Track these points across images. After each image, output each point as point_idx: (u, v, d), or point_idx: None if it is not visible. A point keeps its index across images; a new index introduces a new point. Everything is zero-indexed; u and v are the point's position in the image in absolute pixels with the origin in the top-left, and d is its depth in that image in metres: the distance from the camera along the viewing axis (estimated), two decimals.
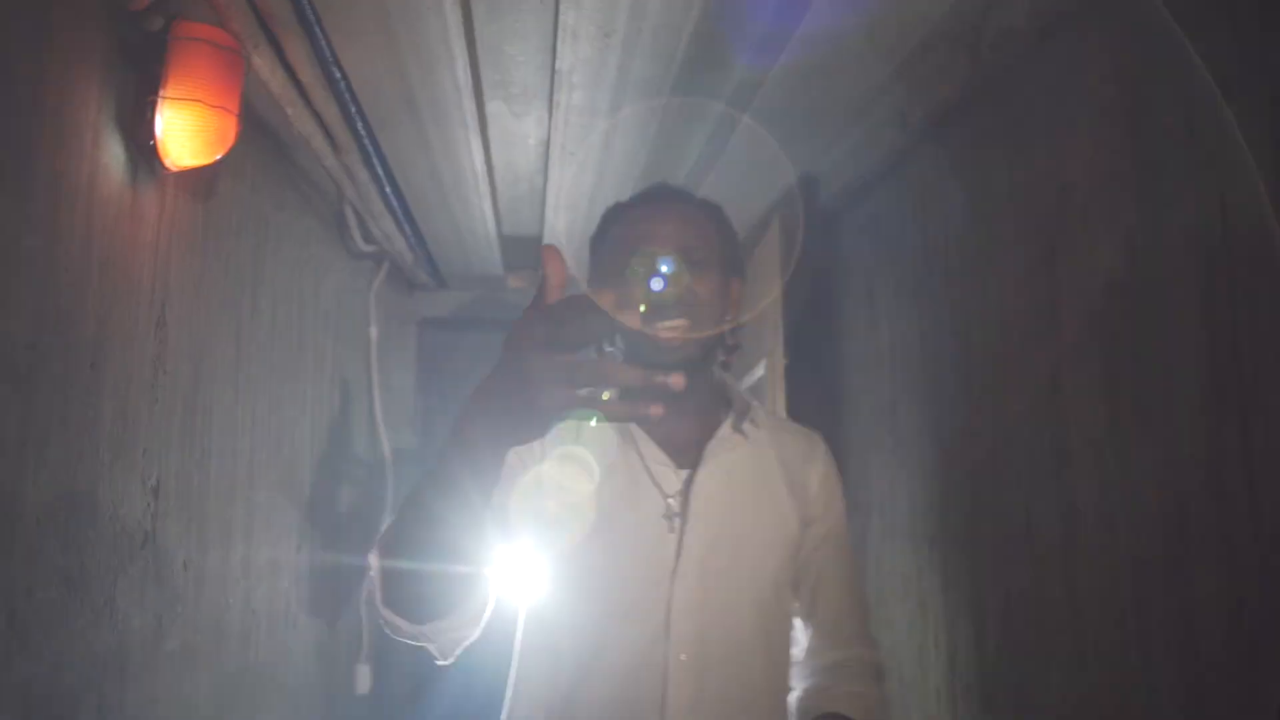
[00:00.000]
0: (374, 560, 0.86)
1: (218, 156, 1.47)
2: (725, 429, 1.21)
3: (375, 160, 2.16)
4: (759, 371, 2.77)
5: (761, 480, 1.23)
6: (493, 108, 2.09)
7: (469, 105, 2.02)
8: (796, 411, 2.63)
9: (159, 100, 1.39)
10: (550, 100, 2.02)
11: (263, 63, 1.59)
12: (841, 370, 2.74)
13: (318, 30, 1.61)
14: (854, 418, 2.64)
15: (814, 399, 2.86)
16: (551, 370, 0.65)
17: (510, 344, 0.68)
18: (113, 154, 1.39)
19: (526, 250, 3.31)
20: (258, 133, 1.97)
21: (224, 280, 1.83)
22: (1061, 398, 1.64)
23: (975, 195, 1.97)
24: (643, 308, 0.98)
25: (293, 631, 2.33)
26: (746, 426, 1.23)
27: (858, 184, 2.53)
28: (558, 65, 1.80)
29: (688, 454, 1.20)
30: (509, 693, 1.16)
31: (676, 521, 1.15)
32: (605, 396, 0.65)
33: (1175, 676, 1.29)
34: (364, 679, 2.87)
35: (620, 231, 1.19)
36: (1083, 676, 1.55)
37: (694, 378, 1.08)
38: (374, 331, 3.09)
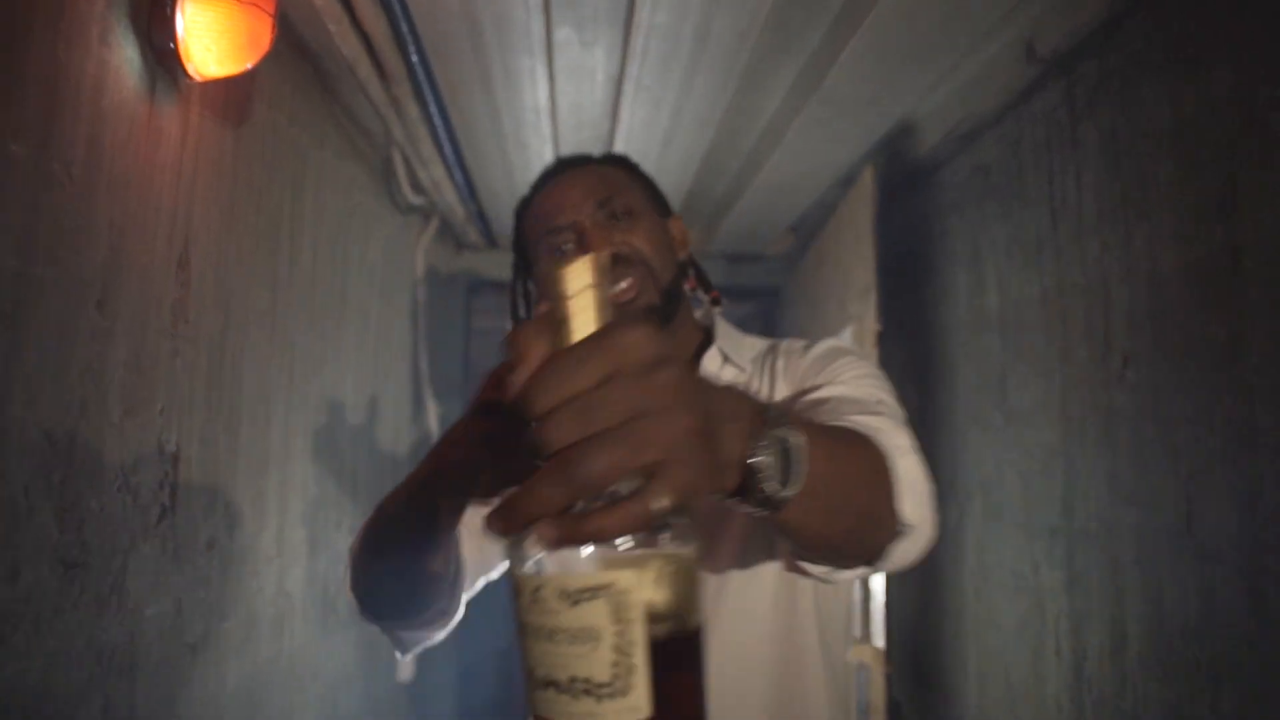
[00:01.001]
0: (350, 551, 0.88)
1: (249, 64, 1.23)
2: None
3: (428, 92, 1.92)
4: (844, 338, 2.50)
5: None
6: (561, 34, 1.84)
7: (537, 28, 1.77)
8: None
9: None
10: (628, 23, 1.77)
11: None
12: (939, 338, 2.46)
13: None
14: (952, 391, 2.37)
15: (908, 370, 2.59)
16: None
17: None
18: (125, 55, 1.16)
19: None
20: (295, 54, 1.74)
21: (257, 219, 1.60)
22: (1243, 367, 1.37)
23: (1122, 134, 1.68)
24: None
25: (333, 617, 2.12)
26: (720, 371, 1.08)
27: (965, 130, 2.24)
28: None
29: None
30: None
31: None
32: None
33: None
34: (407, 667, 2.67)
35: (528, 224, 1.10)
36: (1271, 706, 1.29)
37: (669, 328, 1.04)
38: (421, 292, 2.87)
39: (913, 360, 2.63)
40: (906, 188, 2.61)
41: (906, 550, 0.71)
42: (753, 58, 1.94)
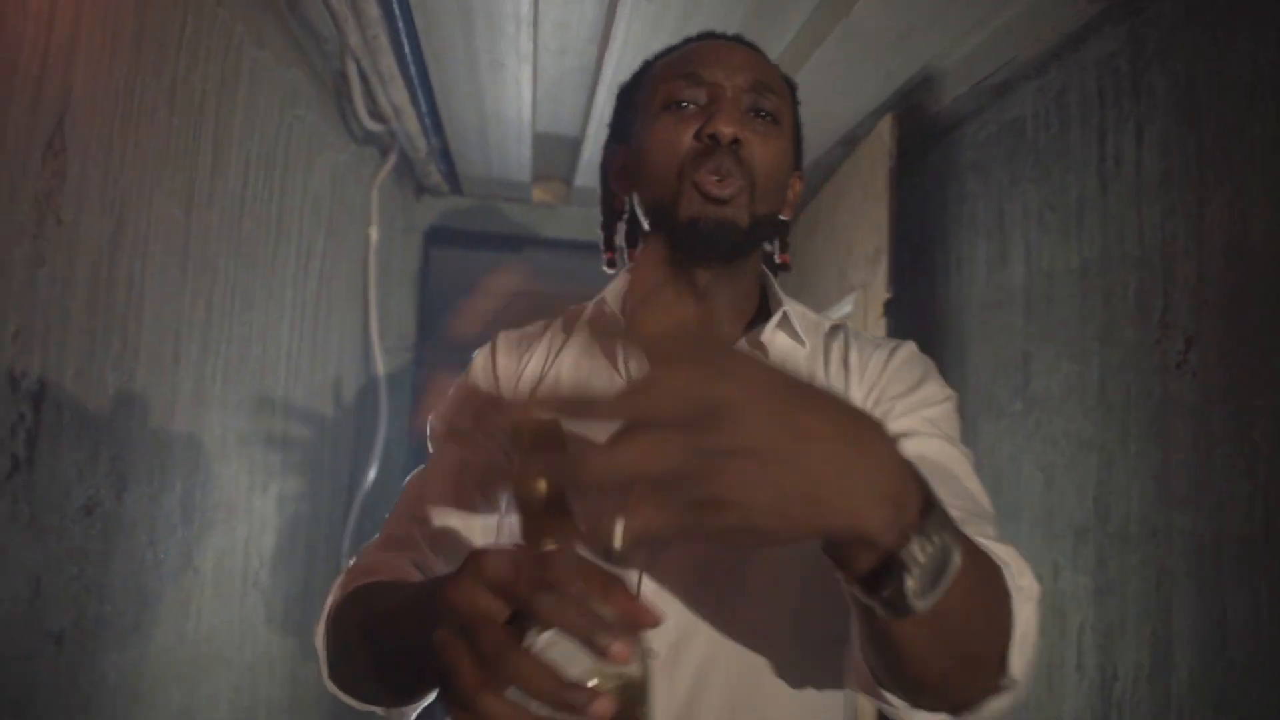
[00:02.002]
0: (320, 632, 0.80)
1: None
2: (741, 345, 0.89)
3: None
4: (844, 308, 2.26)
5: None
6: None
7: None
8: None
9: None
10: None
11: None
12: (950, 314, 2.23)
13: None
14: (964, 373, 2.14)
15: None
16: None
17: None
18: None
19: (561, 154, 2.78)
20: None
21: (168, 114, 1.30)
22: None
23: (1202, 82, 1.45)
24: (686, 148, 0.84)
25: (254, 592, 1.84)
26: (776, 340, 0.89)
27: (997, 80, 2.00)
28: None
29: None
30: None
31: None
32: None
33: None
34: None
35: (671, 60, 0.91)
36: None
37: (728, 268, 0.88)
38: (374, 233, 2.57)
39: (919, 337, 2.39)
40: (920, 147, 2.37)
41: (1001, 708, 0.61)
42: None
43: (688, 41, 0.94)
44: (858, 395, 0.86)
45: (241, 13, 1.55)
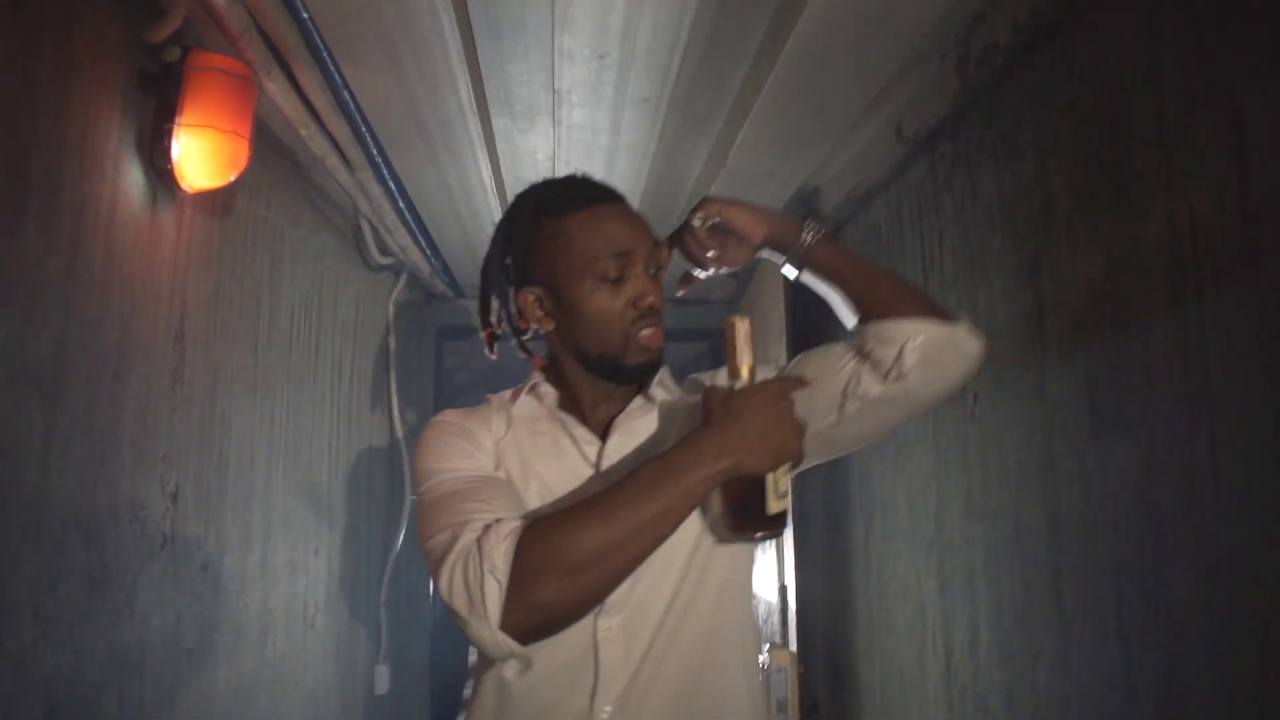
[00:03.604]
0: (497, 564, 0.93)
1: (231, 178, 1.55)
2: (636, 402, 1.18)
3: (387, 176, 2.25)
4: (769, 373, 2.81)
5: (665, 431, 1.17)
6: (499, 125, 2.17)
7: (474, 124, 2.10)
8: None
9: (175, 127, 1.47)
10: (553, 117, 2.09)
11: (276, 88, 1.68)
12: None
13: (326, 56, 1.70)
14: None
15: None
16: None
17: None
18: (132, 178, 1.48)
19: None
20: (273, 153, 2.07)
21: (240, 294, 1.92)
22: (1045, 405, 1.68)
23: (966, 207, 2.01)
24: (628, 316, 1.10)
25: (311, 632, 2.41)
26: (655, 392, 1.18)
27: (859, 194, 2.57)
28: (557, 85, 1.87)
29: (600, 428, 1.20)
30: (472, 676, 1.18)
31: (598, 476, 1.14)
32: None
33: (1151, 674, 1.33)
34: (383, 679, 2.95)
35: (592, 227, 1.09)
36: (1066, 676, 1.59)
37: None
38: (392, 340, 3.18)
39: None
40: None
41: (969, 339, 1.12)
42: (663, 143, 2.27)
43: (586, 198, 1.11)
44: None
45: (282, 209, 2.17)
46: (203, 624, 1.73)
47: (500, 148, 2.29)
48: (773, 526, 1.02)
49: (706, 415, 1.00)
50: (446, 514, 0.99)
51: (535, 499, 1.10)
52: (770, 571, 2.85)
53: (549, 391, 1.18)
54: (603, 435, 1.17)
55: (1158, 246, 1.33)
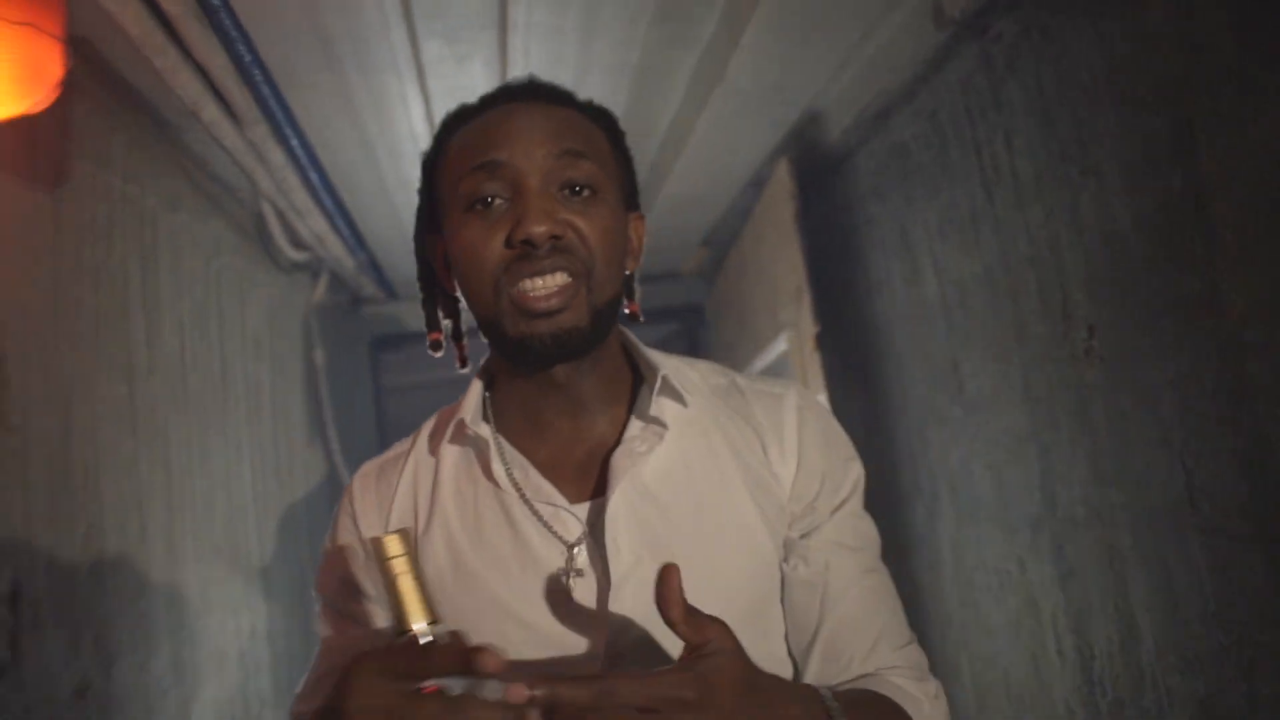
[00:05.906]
0: None
1: (38, 103, 1.01)
2: (634, 427, 0.81)
3: (288, 130, 1.70)
4: (779, 346, 2.35)
5: (703, 488, 0.81)
6: (430, 50, 1.65)
7: (402, 44, 1.58)
8: (836, 389, 2.21)
9: None
10: (502, 25, 1.59)
11: None
12: (879, 334, 2.33)
13: None
14: (903, 388, 2.23)
15: (852, 372, 2.45)
16: None
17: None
18: None
19: None
20: (123, 102, 1.51)
21: (96, 299, 1.36)
22: (1226, 320, 1.24)
23: (1047, 90, 1.57)
24: (497, 257, 0.73)
25: None
26: (666, 410, 0.81)
27: (875, 110, 2.12)
28: None
29: (589, 474, 0.81)
30: None
31: (591, 581, 0.77)
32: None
33: None
34: None
35: (465, 140, 0.78)
36: None
37: (592, 357, 0.79)
38: (319, 355, 2.63)
39: (855, 361, 2.49)
40: (822, 179, 2.48)
41: None
42: (645, 57, 1.78)
43: (484, 105, 0.81)
44: (786, 468, 0.83)
45: (149, 184, 1.61)
46: None
47: (433, 86, 1.77)
48: None
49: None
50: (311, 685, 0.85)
51: (491, 621, 0.76)
52: None
53: (476, 420, 0.82)
54: (592, 493, 0.79)
55: None
